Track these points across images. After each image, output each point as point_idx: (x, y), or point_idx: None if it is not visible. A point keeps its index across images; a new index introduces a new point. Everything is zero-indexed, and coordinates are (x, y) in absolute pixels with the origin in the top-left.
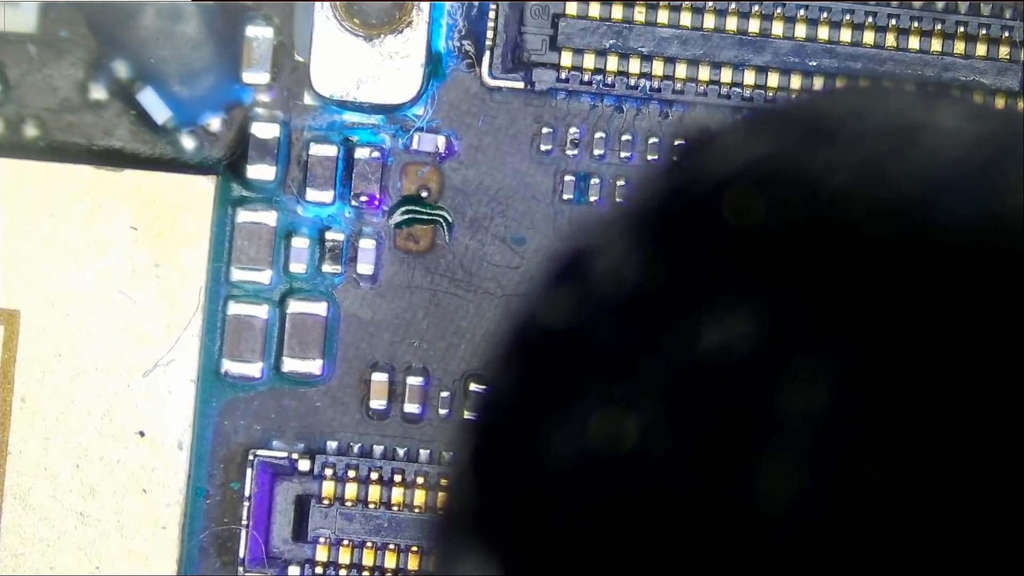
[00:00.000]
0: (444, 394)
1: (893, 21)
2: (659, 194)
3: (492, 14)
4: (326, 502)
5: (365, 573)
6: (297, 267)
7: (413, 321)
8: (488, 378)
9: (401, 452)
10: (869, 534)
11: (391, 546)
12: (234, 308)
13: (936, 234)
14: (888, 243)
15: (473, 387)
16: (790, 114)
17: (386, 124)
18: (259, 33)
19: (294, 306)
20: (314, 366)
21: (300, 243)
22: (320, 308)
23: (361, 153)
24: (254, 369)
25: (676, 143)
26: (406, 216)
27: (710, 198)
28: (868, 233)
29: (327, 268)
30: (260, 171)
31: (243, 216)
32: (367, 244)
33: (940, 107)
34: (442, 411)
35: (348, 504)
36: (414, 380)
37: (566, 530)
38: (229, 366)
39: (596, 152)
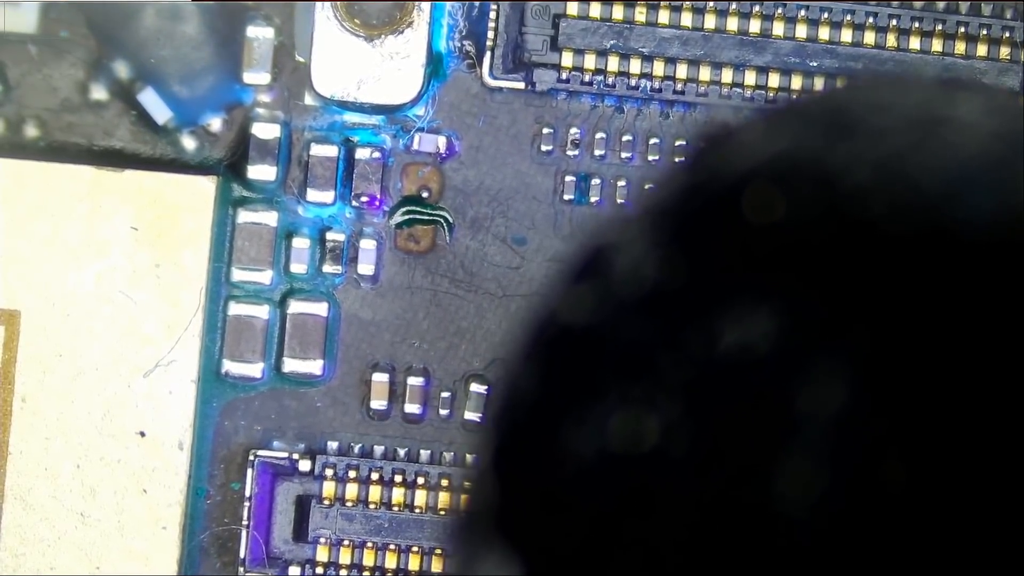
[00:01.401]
0: (445, 394)
1: (894, 22)
2: (678, 191)
3: (493, 14)
4: (327, 502)
5: (366, 573)
6: (298, 267)
7: (414, 321)
8: (508, 377)
9: (402, 452)
10: (889, 535)
11: (392, 546)
12: (235, 308)
13: (956, 229)
14: (908, 239)
15: (474, 387)
16: (809, 110)
17: (387, 124)
18: (260, 33)
19: (295, 306)
20: (315, 366)
21: (301, 243)
22: (321, 308)
23: (362, 153)
24: (255, 369)
25: (677, 143)
26: (407, 216)
27: (729, 195)
28: (887, 229)
29: (328, 268)
30: (261, 171)
31: (244, 216)
32: (368, 244)
33: (959, 101)
34: (443, 411)
35: (349, 504)
36: (415, 380)
37: (587, 530)
38: (230, 366)
39: (597, 152)
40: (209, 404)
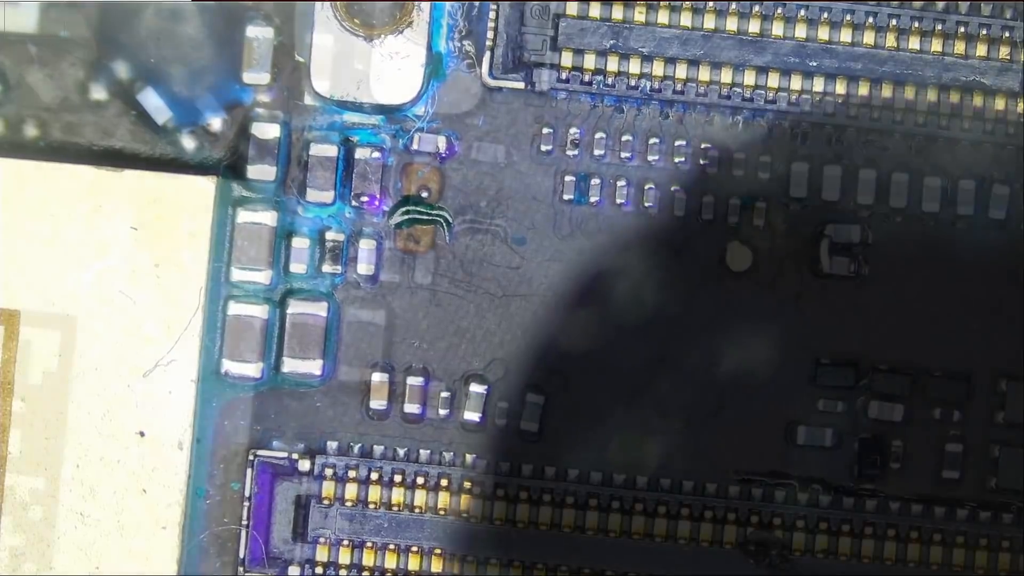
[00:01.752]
0: (444, 394)
1: (893, 21)
2: (676, 213)
3: (492, 14)
4: (326, 502)
5: (365, 573)
6: (297, 267)
7: (413, 321)
8: (510, 400)
9: (401, 452)
10: (884, 553)
11: (391, 546)
12: (234, 308)
13: (956, 245)
14: (906, 256)
15: (473, 387)
16: (806, 129)
17: (386, 124)
18: (259, 33)
19: (294, 306)
20: (314, 366)
21: (300, 243)
22: (320, 308)
23: (361, 153)
24: (254, 369)
25: (676, 143)
26: (406, 216)
27: (728, 215)
28: (886, 246)
29: (327, 268)
30: (260, 171)
31: (243, 216)
32: (367, 244)
33: (956, 118)
34: (442, 411)
35: (348, 504)
36: (414, 380)
37: (587, 546)
38: (229, 366)
39: (596, 152)
40: (209, 404)
